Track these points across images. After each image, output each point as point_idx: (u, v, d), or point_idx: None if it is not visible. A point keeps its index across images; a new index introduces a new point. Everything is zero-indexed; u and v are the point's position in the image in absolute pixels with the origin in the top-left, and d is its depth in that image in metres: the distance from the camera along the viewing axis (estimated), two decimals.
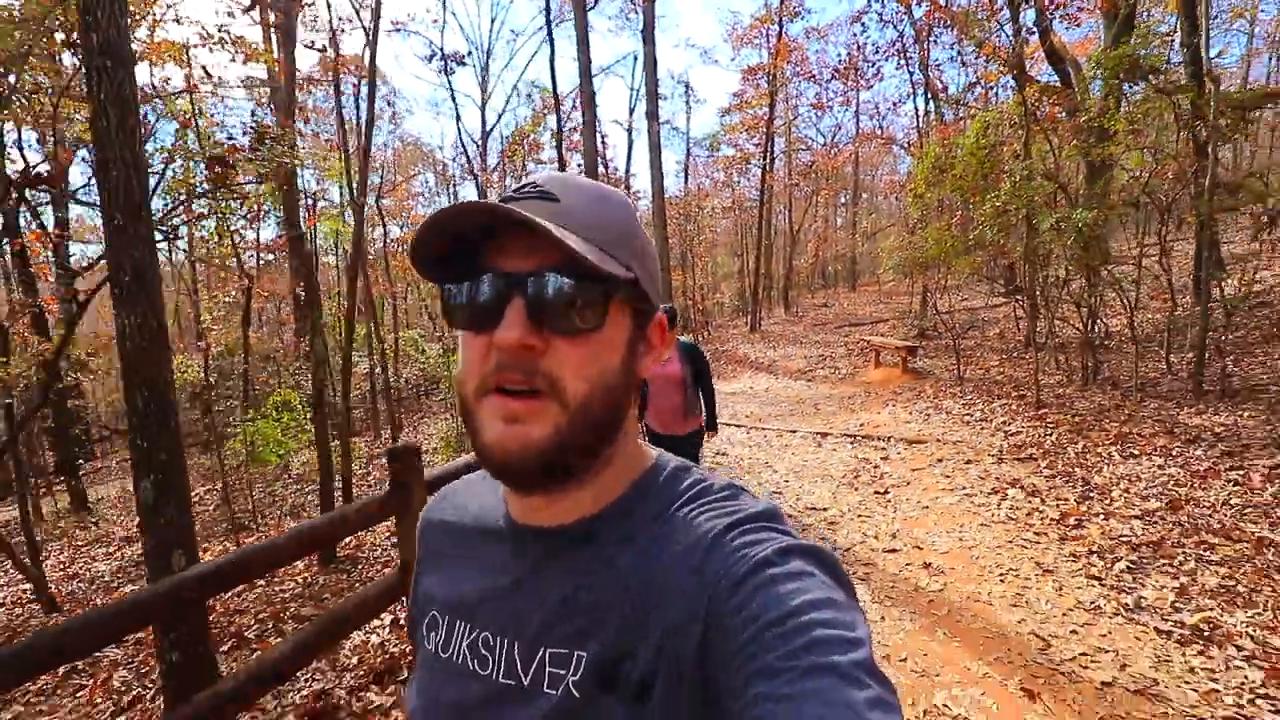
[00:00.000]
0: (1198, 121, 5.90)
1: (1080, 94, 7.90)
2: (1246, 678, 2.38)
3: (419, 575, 0.65)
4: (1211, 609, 2.83)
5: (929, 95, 16.64)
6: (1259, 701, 2.27)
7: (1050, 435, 5.59)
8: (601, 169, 20.78)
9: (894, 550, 3.87)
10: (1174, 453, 4.71)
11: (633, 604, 0.47)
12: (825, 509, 4.70)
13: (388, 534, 5.61)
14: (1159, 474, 4.41)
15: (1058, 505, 4.19)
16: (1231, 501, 3.85)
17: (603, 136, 22.55)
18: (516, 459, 0.47)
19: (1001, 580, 3.34)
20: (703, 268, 28.55)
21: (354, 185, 6.79)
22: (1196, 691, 2.36)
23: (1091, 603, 3.02)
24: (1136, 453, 4.85)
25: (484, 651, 0.53)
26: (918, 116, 17.95)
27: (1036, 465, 4.98)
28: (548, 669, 0.49)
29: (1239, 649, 2.55)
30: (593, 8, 17.73)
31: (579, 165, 13.80)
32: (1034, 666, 2.59)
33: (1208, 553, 3.31)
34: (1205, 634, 2.67)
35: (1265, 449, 4.46)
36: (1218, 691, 2.34)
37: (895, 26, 17.22)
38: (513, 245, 0.48)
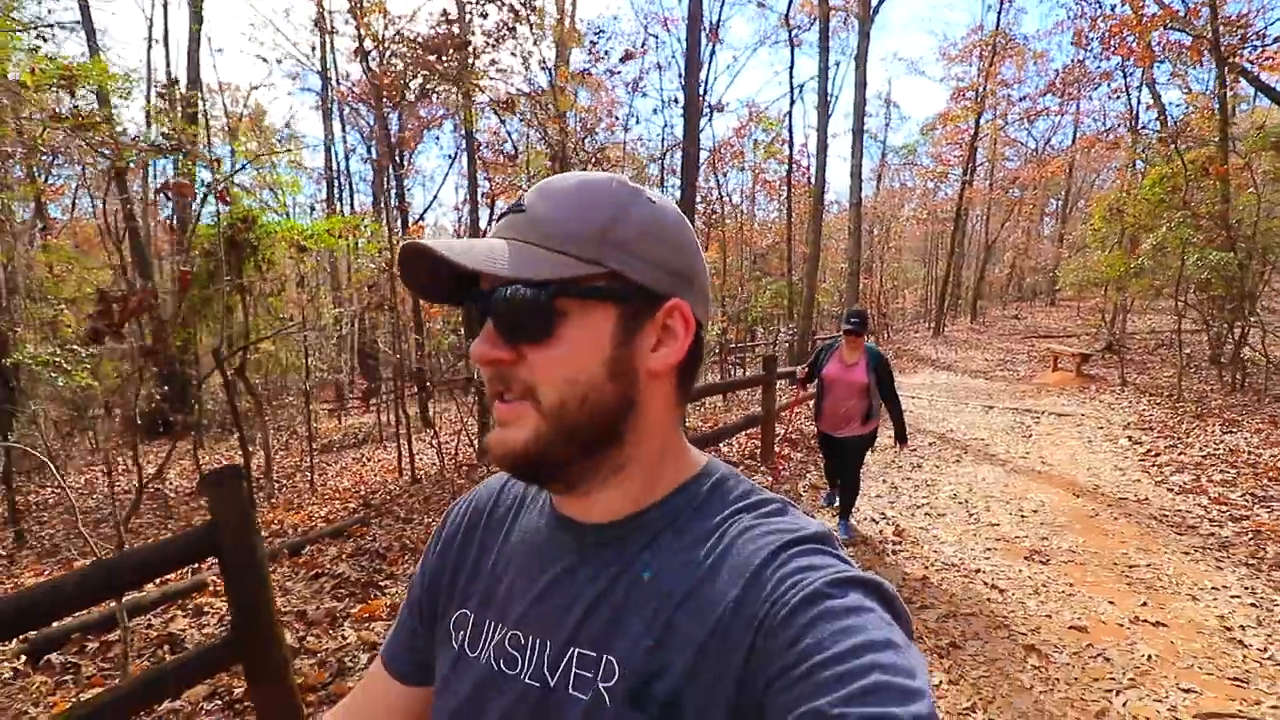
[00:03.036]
0: None
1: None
2: (1199, 502, 4.75)
3: (439, 568, 0.63)
4: (1206, 484, 5.11)
5: (1137, 118, 17.03)
6: (1199, 508, 4.65)
7: (1175, 418, 7.51)
8: (809, 181, 23.17)
9: (1024, 458, 6.37)
10: (1263, 432, 6.55)
11: (670, 614, 0.46)
12: (983, 438, 7.23)
13: None
14: (1240, 441, 6.35)
15: (1150, 448, 6.38)
16: (1277, 453, 5.81)
17: (793, 146, 24.86)
18: (501, 460, 0.50)
19: (1086, 470, 5.78)
20: (888, 273, 29.74)
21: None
22: (1168, 503, 4.78)
23: (1137, 479, 5.41)
24: (1235, 430, 6.74)
25: (512, 650, 0.52)
26: (1134, 135, 18.17)
27: (1151, 431, 7.05)
28: (574, 670, 0.48)
29: (1207, 496, 4.88)
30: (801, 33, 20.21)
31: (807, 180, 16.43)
32: (1085, 491, 5.13)
33: (1231, 470, 5.46)
34: (1191, 490, 5.01)
35: None
36: (1178, 503, 4.75)
37: (1115, 53, 17.68)
38: None
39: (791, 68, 15.64)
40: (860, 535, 4.30)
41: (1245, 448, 6.10)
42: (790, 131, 16.03)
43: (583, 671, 0.48)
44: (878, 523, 4.57)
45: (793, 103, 15.71)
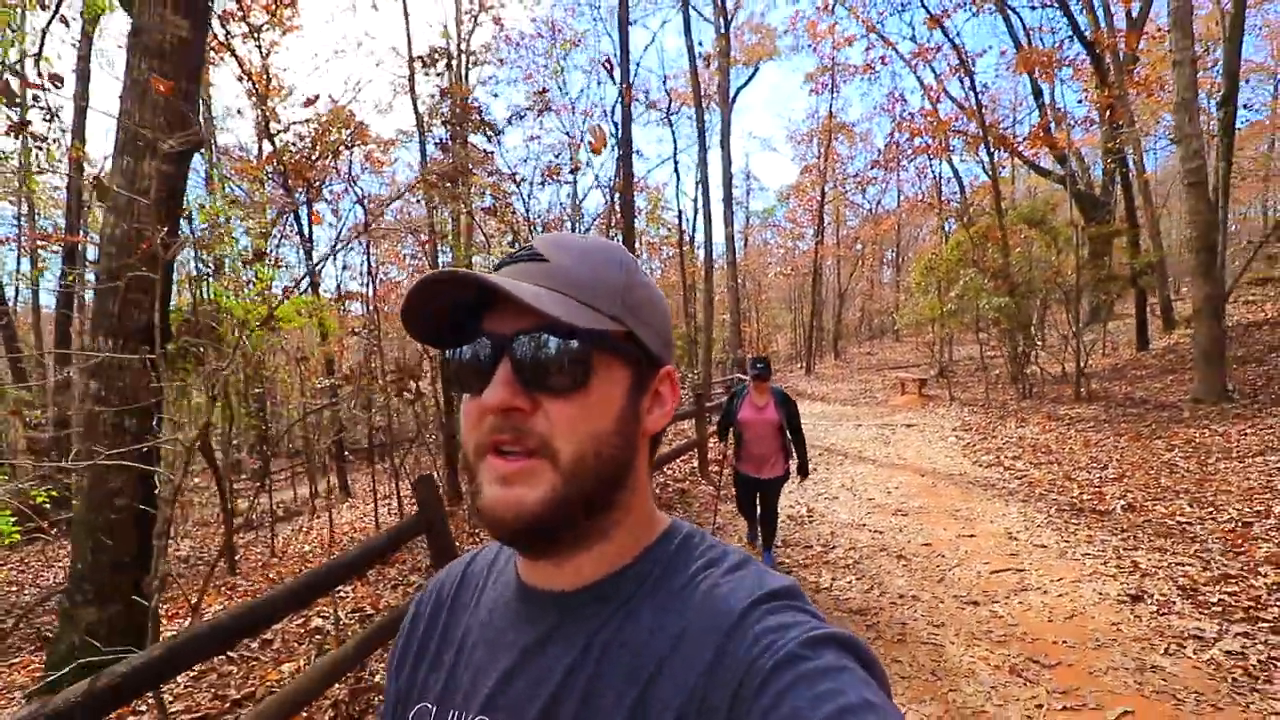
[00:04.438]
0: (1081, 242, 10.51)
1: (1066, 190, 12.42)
2: (997, 471, 6.93)
3: (401, 663, 0.61)
4: (1002, 460, 7.35)
5: (940, 191, 21.37)
6: (997, 474, 6.79)
7: (986, 420, 10.07)
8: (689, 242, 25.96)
9: (886, 457, 8.47)
10: (1042, 424, 9.13)
11: (643, 687, 0.45)
12: (857, 447, 9.33)
13: None
14: (1026, 431, 8.85)
15: (969, 441, 8.72)
16: (1049, 437, 8.28)
17: (680, 212, 27.95)
18: (510, 522, 0.46)
19: (927, 459, 7.93)
20: (764, 319, 33.27)
21: None
22: (978, 474, 6.91)
23: (960, 462, 7.59)
24: (1024, 425, 9.29)
25: None
26: (939, 205, 22.58)
27: (970, 431, 9.49)
28: None
29: (1002, 466, 7.08)
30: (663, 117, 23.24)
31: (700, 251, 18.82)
32: (927, 473, 7.19)
33: (1019, 449, 7.80)
34: (994, 465, 7.22)
35: (1088, 422, 8.88)
36: (985, 473, 6.89)
37: (923, 137, 22.10)
38: (504, 309, 0.48)
39: (675, 152, 18.31)
40: (786, 515, 5.95)
41: (1029, 435, 8.57)
42: (679, 200, 18.52)
43: None
44: (795, 507, 6.26)
45: (678, 179, 18.23)
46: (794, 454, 4.40)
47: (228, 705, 3.11)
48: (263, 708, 2.35)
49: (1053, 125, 16.09)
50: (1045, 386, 11.36)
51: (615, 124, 10.08)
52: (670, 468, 8.06)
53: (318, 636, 3.84)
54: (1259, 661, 2.94)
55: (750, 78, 23.46)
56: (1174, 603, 3.59)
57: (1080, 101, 15.72)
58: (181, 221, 4.56)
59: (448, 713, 0.52)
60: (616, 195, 7.84)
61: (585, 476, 0.47)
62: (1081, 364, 10.06)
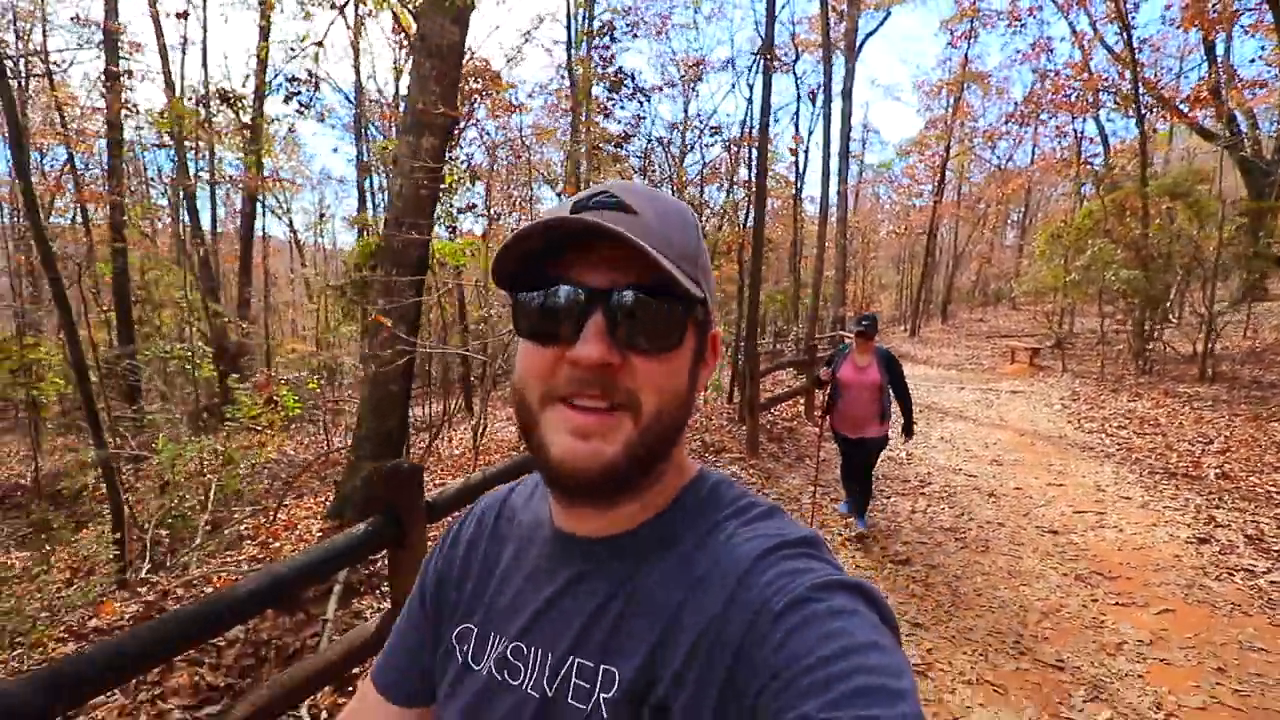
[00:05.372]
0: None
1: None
2: (1099, 437, 7.30)
3: (448, 571, 0.64)
4: (1106, 428, 7.67)
5: (1081, 152, 20.05)
6: (1098, 440, 7.18)
7: (1097, 392, 10.15)
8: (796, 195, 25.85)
9: (988, 418, 8.90)
10: (1156, 400, 9.17)
11: (663, 625, 0.48)
12: (959, 407, 9.77)
13: None
14: (1138, 405, 8.96)
15: (1075, 410, 8.97)
16: (1161, 412, 8.41)
17: (795, 164, 27.62)
18: (586, 474, 0.47)
19: (1030, 422, 8.33)
20: (869, 278, 32.61)
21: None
22: (1079, 438, 7.31)
23: (1062, 426, 7.97)
24: (1137, 400, 9.36)
25: (515, 661, 0.53)
26: (1077, 166, 21.15)
27: (1078, 400, 9.67)
28: (574, 680, 0.49)
29: (1105, 434, 7.42)
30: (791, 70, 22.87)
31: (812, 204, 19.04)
32: (1027, 433, 7.66)
33: (1126, 420, 8.04)
34: (1097, 431, 7.56)
35: (1206, 401, 8.86)
36: (1086, 438, 7.28)
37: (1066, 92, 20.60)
38: (590, 257, 0.48)
39: (798, 103, 18.24)
40: (885, 456, 6.70)
41: (1140, 410, 8.70)
42: (797, 160, 18.63)
43: (581, 682, 0.49)
44: (894, 450, 6.99)
45: (797, 131, 18.33)
46: (889, 416, 4.29)
47: None
48: None
49: (1222, 85, 14.73)
50: (1169, 365, 11.12)
51: (749, 85, 10.57)
52: (779, 409, 8.93)
53: None
54: None
55: (880, 23, 22.54)
56: (1237, 547, 4.15)
57: (1253, 61, 14.27)
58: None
59: (488, 634, 0.56)
60: (749, 150, 8.47)
61: (659, 432, 0.49)
62: (1210, 344, 9.83)
